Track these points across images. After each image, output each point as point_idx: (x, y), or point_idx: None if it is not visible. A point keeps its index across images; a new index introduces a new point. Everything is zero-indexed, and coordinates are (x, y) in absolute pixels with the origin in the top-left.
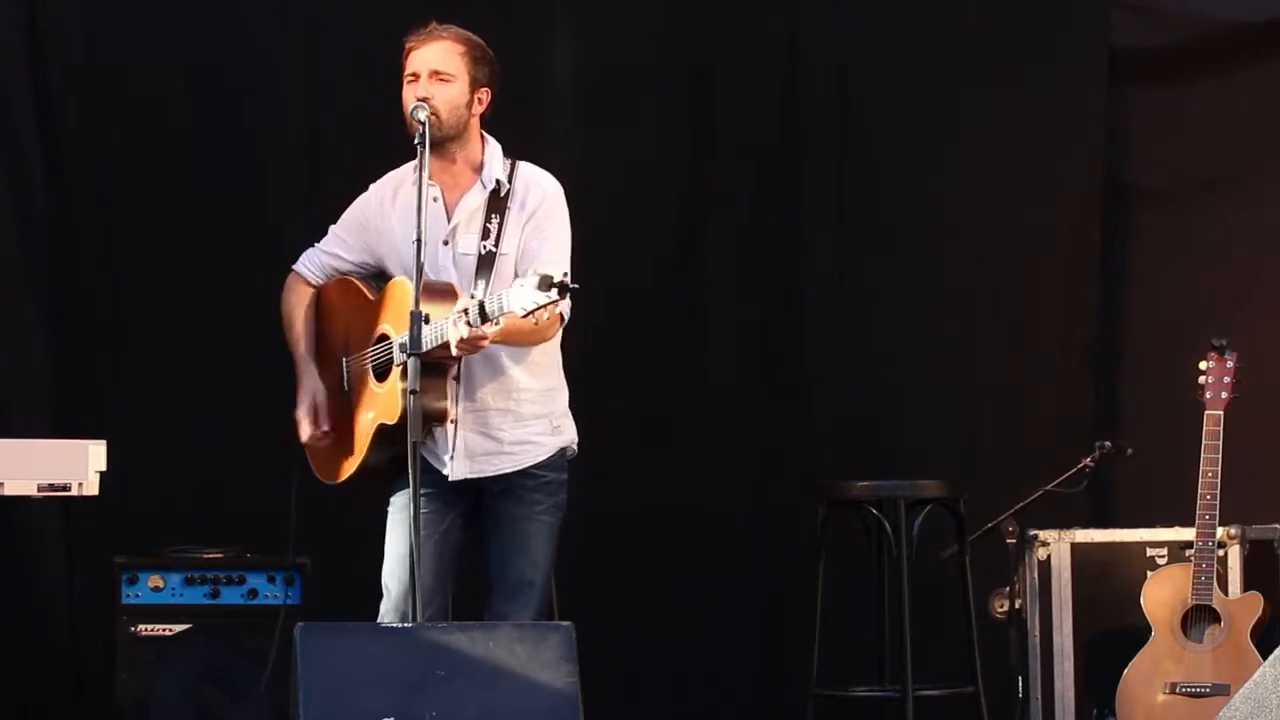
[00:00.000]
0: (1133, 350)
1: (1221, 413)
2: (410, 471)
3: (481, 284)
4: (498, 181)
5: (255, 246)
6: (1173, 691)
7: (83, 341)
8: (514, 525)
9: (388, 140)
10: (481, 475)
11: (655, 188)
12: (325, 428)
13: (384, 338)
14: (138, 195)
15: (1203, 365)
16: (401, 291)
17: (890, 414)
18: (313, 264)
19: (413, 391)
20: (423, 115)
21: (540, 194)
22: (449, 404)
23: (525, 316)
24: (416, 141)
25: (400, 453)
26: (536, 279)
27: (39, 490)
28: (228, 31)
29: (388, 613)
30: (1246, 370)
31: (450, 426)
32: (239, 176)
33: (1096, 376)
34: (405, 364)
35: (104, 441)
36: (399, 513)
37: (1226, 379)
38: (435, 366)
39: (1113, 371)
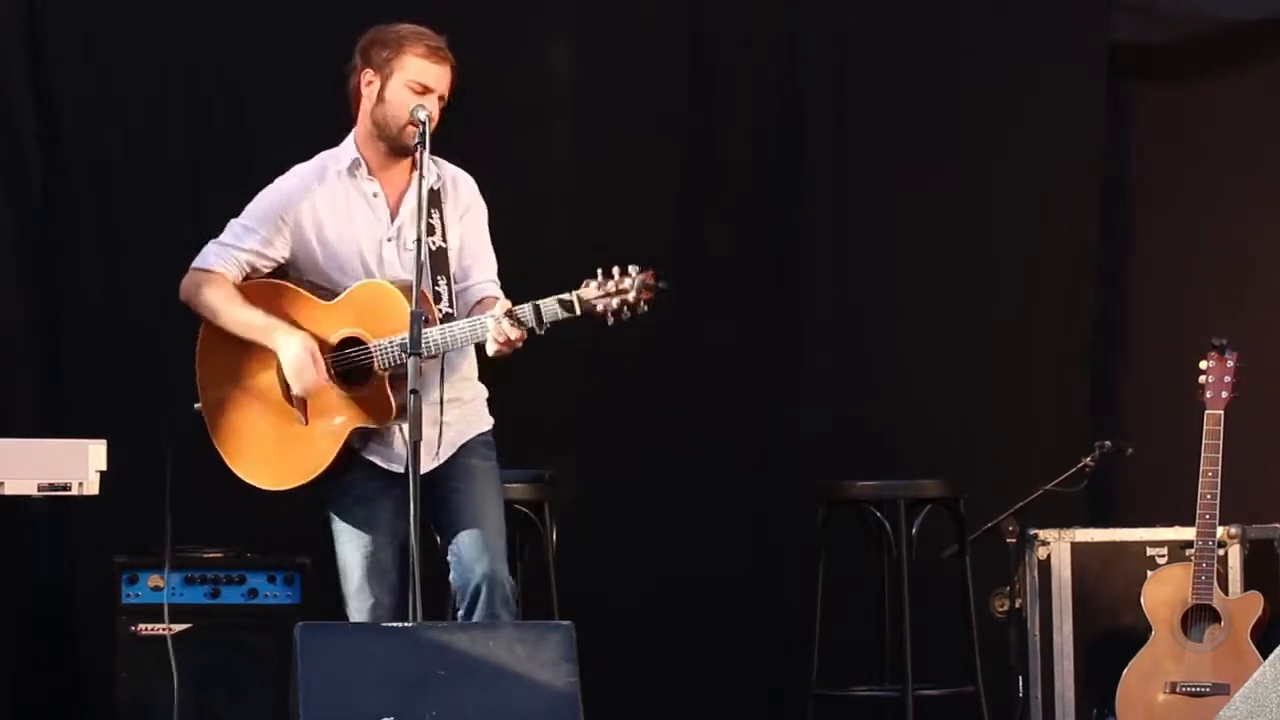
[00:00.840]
0: (1133, 350)
1: (1221, 413)
2: (411, 471)
3: (442, 280)
4: (438, 177)
5: None
6: (1173, 691)
7: (83, 341)
8: (485, 475)
9: None
10: (440, 462)
11: (654, 188)
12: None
13: (352, 341)
14: (137, 195)
15: (1203, 365)
16: (373, 294)
17: (890, 414)
18: (227, 261)
19: (413, 391)
20: (423, 115)
21: (469, 190)
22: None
23: (604, 313)
24: (416, 141)
25: (355, 456)
26: (635, 279)
27: (39, 490)
28: (228, 31)
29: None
30: (1246, 370)
31: (403, 429)
32: (239, 176)
33: (1096, 376)
34: (392, 370)
35: (104, 441)
36: (353, 525)
37: (1226, 379)
38: (402, 374)
39: (1113, 371)
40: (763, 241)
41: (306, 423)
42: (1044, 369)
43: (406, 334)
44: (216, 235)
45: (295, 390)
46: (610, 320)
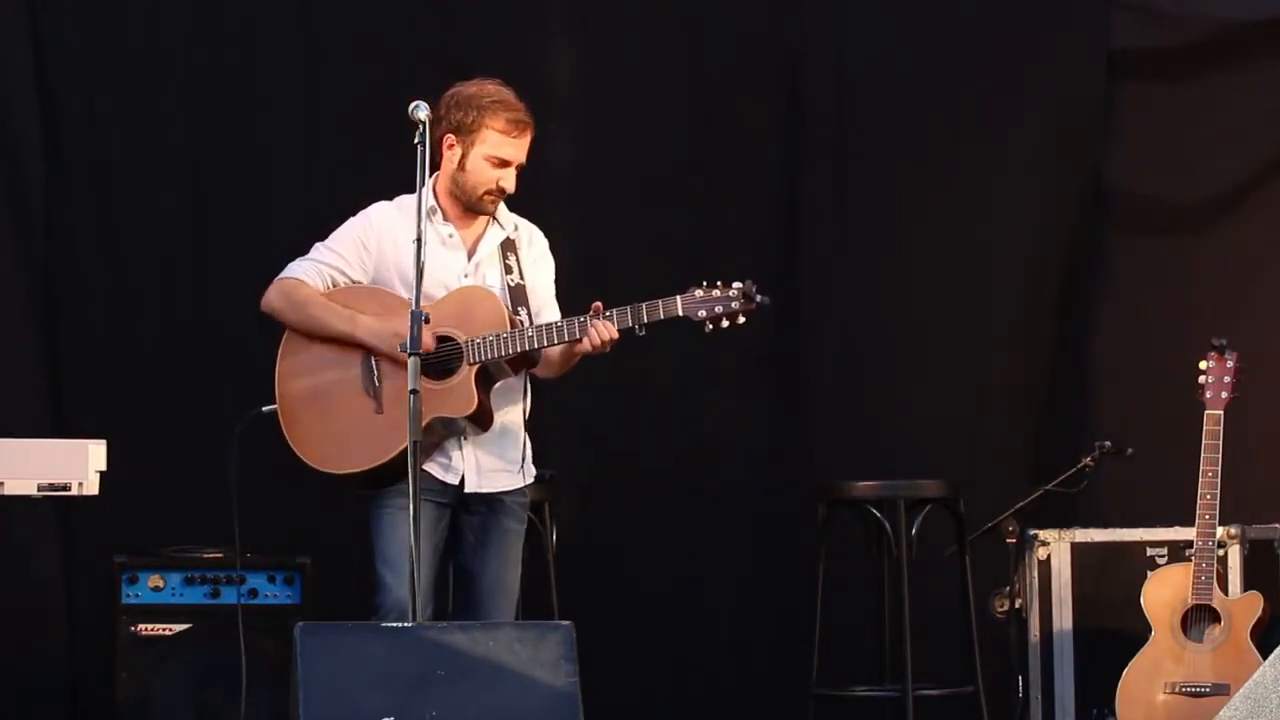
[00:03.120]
0: (1133, 350)
1: (1221, 413)
2: (410, 471)
3: (523, 309)
4: (516, 227)
5: (257, 246)
6: (1173, 691)
7: (83, 341)
8: (510, 539)
9: (390, 144)
10: (488, 490)
11: (655, 188)
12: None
13: (445, 339)
14: (138, 195)
15: (1203, 365)
16: (470, 295)
17: (890, 414)
18: (312, 273)
19: (413, 391)
20: (422, 114)
21: (541, 239)
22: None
23: (703, 320)
24: (416, 141)
25: (430, 444)
26: (737, 290)
27: (39, 490)
28: (228, 30)
29: (391, 607)
30: (1246, 370)
31: (462, 441)
32: (239, 175)
33: (1096, 376)
34: (481, 364)
35: (104, 441)
36: (396, 516)
37: (1226, 379)
38: (488, 374)
39: (1113, 372)
40: (763, 241)
41: (383, 411)
42: (1044, 369)
43: (499, 331)
44: (217, 235)
45: (394, 348)
46: (709, 328)
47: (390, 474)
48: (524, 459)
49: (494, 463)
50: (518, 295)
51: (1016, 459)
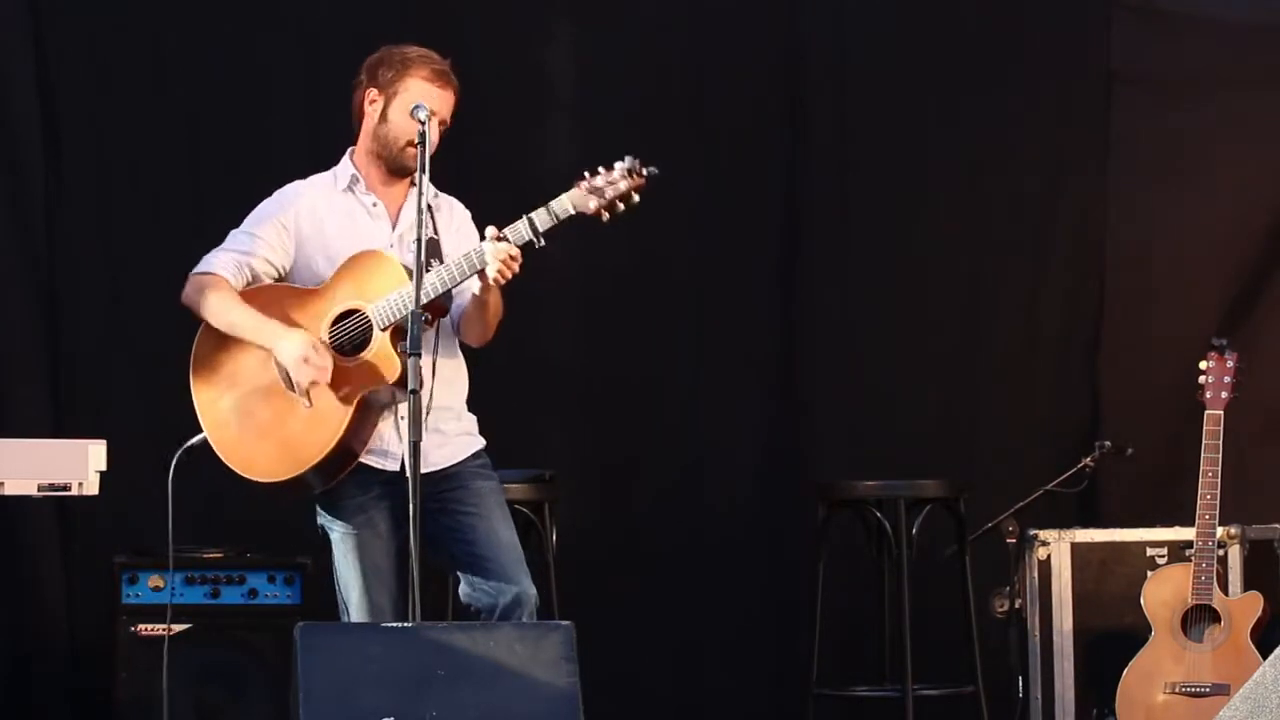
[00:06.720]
0: (1133, 350)
1: (1221, 413)
2: (411, 470)
3: (435, 262)
4: (436, 194)
5: None
6: (1173, 691)
7: (83, 341)
8: (493, 496)
9: None
10: (433, 469)
11: (655, 189)
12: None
13: (349, 313)
14: (137, 195)
15: (1203, 365)
16: (361, 260)
17: (890, 414)
18: (227, 264)
19: (413, 391)
20: (423, 115)
21: (462, 210)
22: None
23: (597, 211)
24: (417, 141)
25: (354, 458)
26: (621, 168)
27: (39, 490)
28: (227, 30)
29: None
30: (1246, 370)
31: (399, 424)
32: (240, 175)
33: (1096, 377)
34: (394, 325)
35: (104, 441)
36: (352, 536)
37: (1226, 379)
38: (403, 332)
39: (1112, 372)
40: (763, 242)
41: (311, 405)
42: (1044, 369)
43: (400, 290)
44: (216, 233)
45: (303, 381)
46: (606, 217)
47: (334, 468)
48: (468, 432)
49: (431, 439)
50: (432, 248)
51: (1016, 459)
